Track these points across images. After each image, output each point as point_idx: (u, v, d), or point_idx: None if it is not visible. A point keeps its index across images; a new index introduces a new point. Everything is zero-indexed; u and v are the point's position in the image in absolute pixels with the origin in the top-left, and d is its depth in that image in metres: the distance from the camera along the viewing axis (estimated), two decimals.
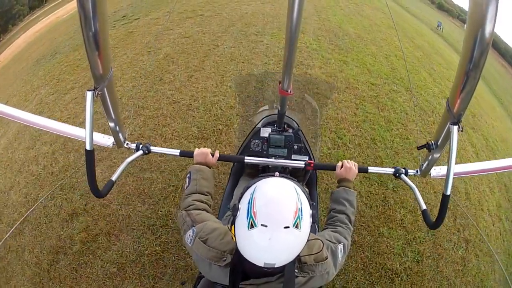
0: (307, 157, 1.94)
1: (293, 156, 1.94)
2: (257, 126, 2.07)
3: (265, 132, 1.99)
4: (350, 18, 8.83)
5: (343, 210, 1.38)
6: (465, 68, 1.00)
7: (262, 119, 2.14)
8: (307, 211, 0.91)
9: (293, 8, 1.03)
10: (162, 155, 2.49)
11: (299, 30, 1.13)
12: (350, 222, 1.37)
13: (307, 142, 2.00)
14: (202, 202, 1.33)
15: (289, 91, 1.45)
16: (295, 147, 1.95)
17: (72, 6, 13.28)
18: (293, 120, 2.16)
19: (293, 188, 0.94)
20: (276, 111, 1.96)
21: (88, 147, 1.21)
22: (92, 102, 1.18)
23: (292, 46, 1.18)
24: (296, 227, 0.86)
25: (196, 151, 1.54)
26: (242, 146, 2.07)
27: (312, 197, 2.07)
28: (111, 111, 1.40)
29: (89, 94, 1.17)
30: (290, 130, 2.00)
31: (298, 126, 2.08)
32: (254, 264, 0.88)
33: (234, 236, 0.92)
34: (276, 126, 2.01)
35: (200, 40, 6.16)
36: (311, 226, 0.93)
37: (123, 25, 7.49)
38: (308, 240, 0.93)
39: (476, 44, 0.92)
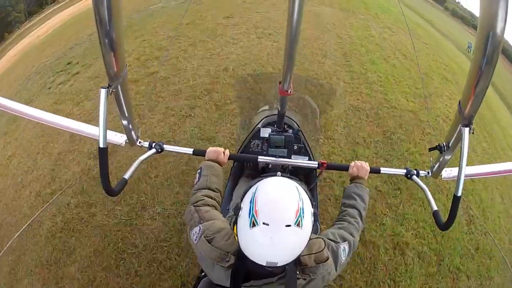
0: (307, 157, 1.95)
1: (293, 157, 1.93)
2: (257, 127, 2.06)
3: (265, 132, 1.99)
4: (393, 66, 5.89)
5: (353, 204, 1.38)
6: (478, 66, 1.00)
7: (262, 119, 2.14)
8: (308, 210, 0.92)
9: (293, 7, 1.00)
10: None
11: (300, 29, 1.09)
12: (360, 217, 1.35)
13: (307, 142, 2.00)
14: (211, 198, 1.32)
15: (289, 91, 1.45)
16: (295, 147, 1.96)
17: (62, 17, 11.80)
18: (293, 120, 2.15)
19: (295, 187, 0.95)
20: (276, 112, 1.95)
21: (101, 145, 1.18)
22: (106, 99, 1.16)
23: (292, 45, 1.16)
24: (298, 225, 0.87)
25: (209, 149, 1.55)
26: (242, 147, 2.06)
27: (312, 196, 2.16)
28: (125, 108, 1.38)
29: (103, 92, 1.15)
30: (290, 131, 2.00)
31: (298, 127, 2.08)
32: (257, 264, 0.89)
33: (236, 235, 0.93)
34: (276, 127, 2.01)
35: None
36: (313, 225, 0.93)
37: (58, 86, 5.18)
38: (309, 239, 0.93)
39: (488, 41, 0.94)
